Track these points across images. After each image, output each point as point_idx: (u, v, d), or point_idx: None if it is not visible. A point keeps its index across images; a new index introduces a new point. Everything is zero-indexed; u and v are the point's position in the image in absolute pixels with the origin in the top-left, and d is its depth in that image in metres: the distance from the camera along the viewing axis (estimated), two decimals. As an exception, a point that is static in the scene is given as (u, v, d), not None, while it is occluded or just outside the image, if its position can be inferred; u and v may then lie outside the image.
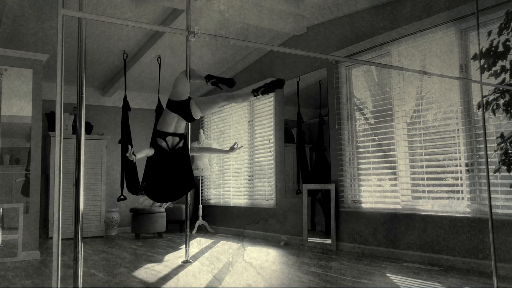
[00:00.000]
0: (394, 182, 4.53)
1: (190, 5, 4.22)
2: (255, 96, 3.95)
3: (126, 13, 4.99)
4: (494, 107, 3.06)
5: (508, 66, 3.06)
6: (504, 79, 3.09)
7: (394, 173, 4.51)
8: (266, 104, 6.37)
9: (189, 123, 4.52)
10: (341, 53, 5.00)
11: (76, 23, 2.54)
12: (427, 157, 4.23)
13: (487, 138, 3.14)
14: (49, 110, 6.73)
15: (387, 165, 4.62)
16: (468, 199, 3.83)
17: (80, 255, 2.14)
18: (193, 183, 4.16)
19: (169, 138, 4.21)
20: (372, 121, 4.84)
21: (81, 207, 2.14)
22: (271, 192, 6.15)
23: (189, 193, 4.60)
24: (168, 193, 4.06)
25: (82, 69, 2.34)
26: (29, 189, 4.76)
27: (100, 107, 7.49)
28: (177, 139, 4.25)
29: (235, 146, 4.30)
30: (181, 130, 4.24)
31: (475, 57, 3.16)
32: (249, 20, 5.19)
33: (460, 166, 3.92)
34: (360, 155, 4.91)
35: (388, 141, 4.62)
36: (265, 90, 3.92)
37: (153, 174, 4.12)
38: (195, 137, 7.48)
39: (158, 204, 4.15)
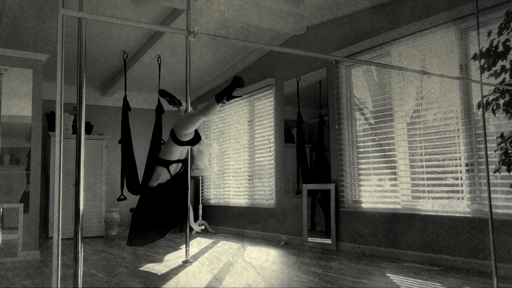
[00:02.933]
0: (394, 182, 4.53)
1: (190, 5, 4.22)
2: (223, 103, 3.88)
3: (126, 13, 4.99)
4: (494, 107, 3.06)
5: (508, 66, 3.06)
6: (504, 79, 3.09)
7: (394, 173, 4.51)
8: (266, 104, 6.37)
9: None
10: (341, 53, 5.00)
11: (76, 23, 2.54)
12: (427, 157, 4.23)
13: (487, 138, 3.14)
14: (49, 110, 6.73)
15: (387, 165, 4.62)
16: (468, 199, 3.83)
17: (80, 255, 2.14)
18: (185, 214, 4.11)
19: (172, 166, 4.26)
20: (372, 121, 4.84)
21: (81, 207, 2.14)
22: (271, 192, 6.15)
23: (189, 193, 4.60)
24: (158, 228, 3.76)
25: (82, 69, 2.34)
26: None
27: (100, 107, 7.49)
28: (180, 165, 4.32)
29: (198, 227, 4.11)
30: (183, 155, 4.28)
31: (475, 57, 3.16)
32: (249, 20, 5.19)
33: (460, 166, 3.91)
34: (360, 155, 4.91)
35: (388, 141, 4.62)
36: (228, 95, 3.84)
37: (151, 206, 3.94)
38: (195, 137, 7.47)
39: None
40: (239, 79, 3.86)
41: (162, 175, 4.35)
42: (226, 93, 3.87)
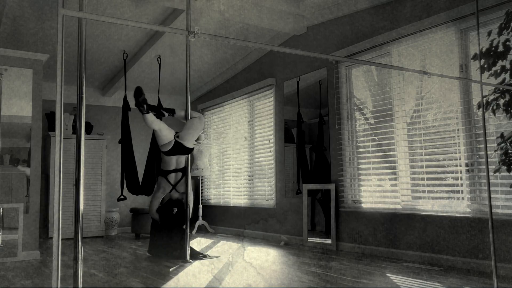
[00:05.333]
0: (394, 182, 4.53)
1: (190, 5, 4.22)
2: (143, 113, 4.16)
3: (126, 13, 4.99)
4: (494, 107, 3.05)
5: (508, 66, 3.06)
6: (504, 79, 3.09)
7: (394, 173, 4.51)
8: (266, 104, 6.37)
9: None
10: (341, 53, 5.00)
11: (76, 23, 2.54)
12: (427, 157, 4.23)
13: (487, 138, 3.14)
14: (49, 110, 6.73)
15: (387, 165, 4.62)
16: (468, 199, 3.83)
17: (80, 255, 2.14)
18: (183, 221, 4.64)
19: (171, 175, 4.58)
20: (372, 121, 4.83)
21: (81, 207, 2.14)
22: (271, 192, 6.15)
23: (189, 193, 4.61)
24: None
25: (82, 69, 2.34)
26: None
27: (100, 107, 7.49)
28: (180, 174, 4.58)
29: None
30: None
31: (475, 57, 3.16)
32: (249, 20, 5.19)
33: (460, 166, 3.91)
34: (360, 155, 4.90)
35: (388, 141, 4.62)
36: (138, 106, 4.15)
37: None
38: (195, 137, 7.48)
39: None
40: (136, 90, 4.14)
41: (163, 184, 4.61)
42: (137, 106, 4.17)
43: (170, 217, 4.68)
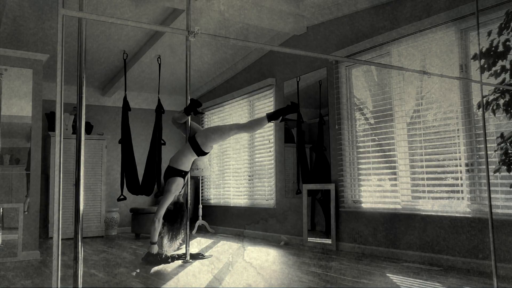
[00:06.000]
0: (394, 182, 4.53)
1: (190, 5, 4.22)
2: (272, 121, 4.42)
3: (126, 13, 4.99)
4: (494, 107, 3.05)
5: (508, 66, 3.06)
6: (504, 79, 3.09)
7: (394, 173, 4.51)
8: (266, 104, 6.37)
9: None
10: (341, 53, 5.00)
11: (76, 23, 2.54)
12: (427, 157, 4.23)
13: (487, 138, 3.14)
14: (49, 110, 6.73)
15: (387, 165, 4.62)
16: (468, 199, 3.83)
17: (80, 255, 2.14)
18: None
19: (187, 177, 4.56)
20: (372, 121, 4.84)
21: (81, 207, 2.14)
22: (271, 192, 6.15)
23: (189, 193, 4.62)
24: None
25: (82, 69, 2.34)
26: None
27: (100, 107, 7.49)
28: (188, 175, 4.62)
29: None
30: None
31: (475, 57, 3.16)
32: (249, 20, 5.19)
33: (460, 166, 3.91)
34: (360, 155, 4.91)
35: (388, 141, 4.62)
36: (283, 117, 4.39)
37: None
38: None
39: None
40: (296, 106, 4.33)
41: (180, 186, 4.54)
42: (281, 114, 4.41)
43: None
